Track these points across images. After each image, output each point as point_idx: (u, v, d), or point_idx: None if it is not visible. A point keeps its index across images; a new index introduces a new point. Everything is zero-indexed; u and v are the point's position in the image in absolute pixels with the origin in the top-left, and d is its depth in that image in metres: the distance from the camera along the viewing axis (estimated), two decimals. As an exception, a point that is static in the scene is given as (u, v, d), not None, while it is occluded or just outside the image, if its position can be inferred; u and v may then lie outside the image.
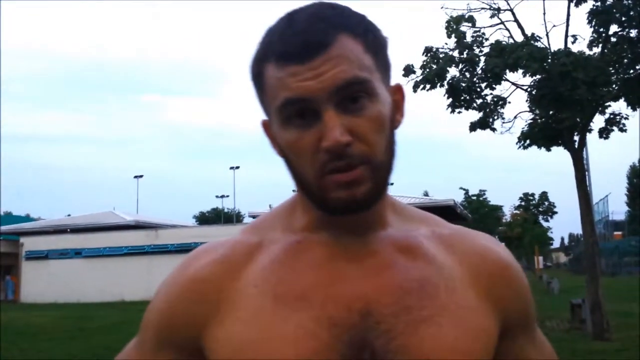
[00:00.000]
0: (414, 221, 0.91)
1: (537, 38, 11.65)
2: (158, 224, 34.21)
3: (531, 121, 12.46)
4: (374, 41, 0.80)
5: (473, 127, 12.52)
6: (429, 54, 12.10)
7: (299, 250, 0.84)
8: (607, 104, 11.85)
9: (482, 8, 12.09)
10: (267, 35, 0.81)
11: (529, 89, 11.98)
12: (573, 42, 11.60)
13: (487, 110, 12.38)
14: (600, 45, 11.52)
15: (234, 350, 0.79)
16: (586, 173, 12.46)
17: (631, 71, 11.54)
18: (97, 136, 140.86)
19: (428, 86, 11.97)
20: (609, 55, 11.46)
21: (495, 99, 12.42)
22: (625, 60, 11.52)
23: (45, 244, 30.43)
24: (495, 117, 12.55)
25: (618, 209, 61.42)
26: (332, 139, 0.75)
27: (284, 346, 0.77)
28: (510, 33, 12.05)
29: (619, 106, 12.12)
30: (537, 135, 12.14)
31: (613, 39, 11.47)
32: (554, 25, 11.83)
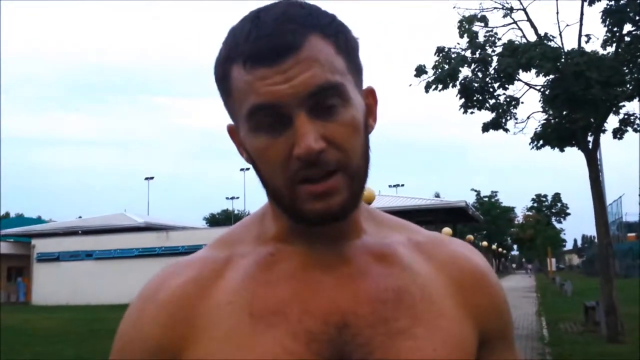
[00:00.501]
0: (390, 228, 0.88)
1: (551, 37, 11.56)
2: (169, 225, 34.29)
3: (544, 121, 12.36)
4: (345, 42, 0.76)
5: (486, 127, 12.45)
6: (441, 54, 12.04)
7: (272, 263, 0.81)
8: (621, 104, 11.73)
9: (495, 7, 12.03)
10: (232, 35, 0.76)
11: (542, 89, 11.89)
12: (587, 42, 11.52)
13: (500, 110, 12.31)
14: (614, 44, 11.42)
15: None
16: (600, 174, 12.33)
17: (645, 71, 11.41)
18: (108, 138, 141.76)
19: (440, 86, 11.92)
20: (623, 54, 11.35)
21: (508, 99, 12.35)
22: (639, 60, 11.40)
23: (56, 246, 30.58)
24: (508, 118, 12.48)
25: (631, 210, 60.96)
26: (304, 146, 0.70)
27: None
28: (523, 33, 11.97)
29: (633, 106, 12.02)
30: (551, 136, 12.05)
31: (627, 38, 11.36)
32: (567, 25, 11.72)
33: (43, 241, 31.44)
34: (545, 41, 11.43)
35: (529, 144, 12.53)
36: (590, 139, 11.92)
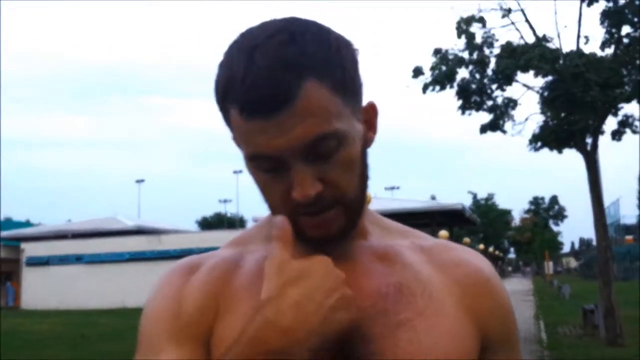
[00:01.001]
0: (394, 233, 0.92)
1: (549, 39, 11.54)
2: (160, 229, 34.15)
3: (543, 123, 12.33)
4: (341, 76, 0.76)
5: (483, 129, 12.41)
6: (438, 55, 11.99)
7: None
8: (620, 105, 11.71)
9: (493, 9, 11.98)
10: (227, 69, 0.76)
11: (540, 91, 11.85)
12: (585, 43, 11.50)
13: (498, 112, 12.28)
14: (613, 46, 11.40)
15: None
16: (598, 176, 12.30)
17: (644, 72, 11.40)
18: (98, 139, 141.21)
19: (438, 87, 11.90)
20: (621, 56, 11.34)
21: (506, 101, 12.31)
22: (638, 62, 11.39)
23: (45, 249, 30.28)
24: (506, 119, 12.43)
25: (629, 212, 61.46)
26: (301, 193, 0.75)
27: None
28: (521, 34, 11.92)
29: (632, 108, 12.00)
30: (549, 138, 12.04)
31: (626, 40, 11.35)
32: (566, 26, 11.70)
33: (32, 245, 31.13)
34: (543, 42, 11.41)
35: (527, 145, 12.51)
36: (588, 140, 11.90)
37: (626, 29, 11.34)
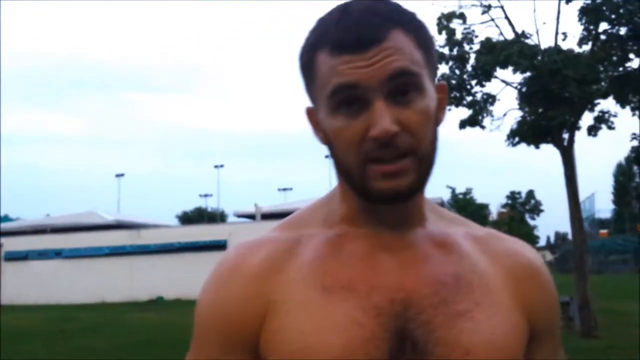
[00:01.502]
0: (450, 221, 0.94)
1: (528, 35, 11.66)
2: (140, 223, 33.90)
3: (521, 119, 12.46)
4: (424, 39, 0.83)
5: (463, 124, 12.51)
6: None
7: (340, 243, 0.86)
8: (597, 101, 11.88)
9: (473, 5, 12.08)
10: (319, 25, 0.83)
11: (518, 87, 11.97)
12: (563, 40, 11.65)
13: (477, 107, 12.37)
14: (590, 42, 11.55)
15: (286, 340, 0.81)
16: (574, 171, 12.47)
17: (620, 69, 11.61)
18: (77, 134, 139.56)
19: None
20: (598, 52, 11.49)
21: (485, 97, 12.41)
22: (615, 58, 11.58)
23: (24, 244, 29.90)
24: (485, 115, 12.54)
25: (604, 207, 62.43)
26: (381, 127, 0.76)
27: (333, 335, 0.79)
28: (500, 30, 12.02)
29: (608, 104, 12.18)
30: (527, 133, 12.16)
31: (603, 37, 11.51)
32: (545, 23, 11.85)
33: (11, 239, 30.71)
34: (522, 39, 11.52)
35: (505, 140, 12.63)
36: (565, 136, 12.05)
37: (603, 26, 11.50)
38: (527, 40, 11.51)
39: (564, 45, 11.53)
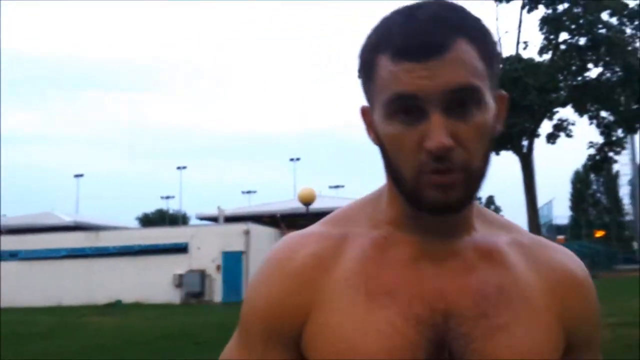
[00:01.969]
0: (497, 227, 0.93)
1: (490, 43, 11.83)
2: (99, 225, 33.36)
3: (482, 125, 12.65)
4: (488, 47, 0.81)
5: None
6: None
7: (385, 246, 0.86)
8: (556, 109, 12.15)
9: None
10: (383, 27, 0.82)
11: (480, 94, 12.15)
12: (524, 49, 11.91)
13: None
14: (550, 51, 11.82)
15: (329, 340, 0.82)
16: (533, 177, 12.72)
17: (579, 78, 11.89)
18: (34, 132, 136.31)
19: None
20: (558, 62, 11.76)
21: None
22: (574, 68, 11.86)
23: (-22, 245, 29.05)
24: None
25: (562, 213, 64.14)
26: (437, 141, 0.76)
27: (374, 340, 0.80)
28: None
29: (567, 112, 12.46)
30: (488, 140, 12.33)
31: (563, 46, 11.78)
32: (507, 32, 12.06)
33: (-37, 240, 29.82)
34: (485, 46, 11.69)
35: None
36: (525, 143, 12.28)
37: (563, 36, 11.80)
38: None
39: (525, 54, 11.80)
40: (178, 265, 25.33)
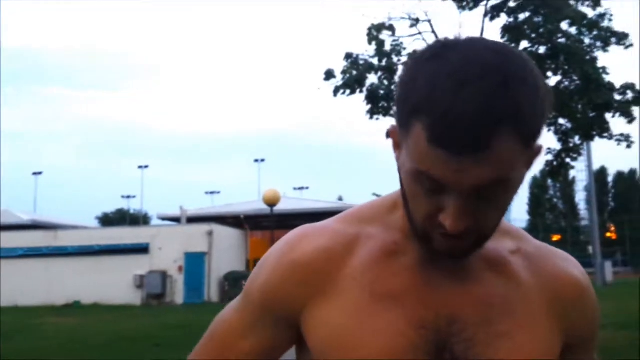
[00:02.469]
0: (504, 235, 0.94)
1: (453, 50, 12.02)
2: (57, 224, 32.70)
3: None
4: (537, 127, 0.75)
5: (389, 134, 12.74)
6: (349, 60, 12.24)
7: (395, 252, 0.89)
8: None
9: (402, 17, 12.39)
10: (426, 86, 0.73)
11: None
12: (486, 56, 12.07)
13: (404, 118, 12.63)
14: (511, 60, 12.05)
15: (330, 334, 0.85)
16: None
17: (539, 86, 12.15)
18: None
19: (348, 91, 12.15)
20: (518, 69, 12.00)
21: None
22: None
23: None
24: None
25: (520, 217, 65.61)
26: (453, 226, 0.76)
27: (375, 340, 0.82)
28: (427, 43, 12.33)
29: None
30: (450, 144, 12.52)
31: (523, 55, 12.03)
32: (469, 38, 12.25)
33: None
34: (448, 53, 11.88)
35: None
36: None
37: (524, 44, 12.03)
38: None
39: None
40: (139, 266, 25.00)
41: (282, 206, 21.92)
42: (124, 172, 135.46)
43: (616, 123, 12.03)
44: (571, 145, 12.87)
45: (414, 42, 12.60)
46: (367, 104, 12.35)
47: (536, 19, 11.57)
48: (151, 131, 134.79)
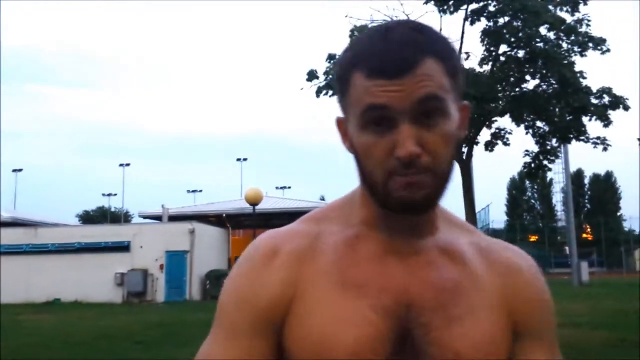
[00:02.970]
0: (459, 229, 1.02)
1: (434, 52, 12.16)
2: (38, 221, 32.34)
3: (425, 131, 12.95)
4: (454, 65, 0.89)
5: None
6: (332, 61, 12.31)
7: (357, 244, 0.95)
8: (494, 118, 12.58)
9: (384, 20, 12.47)
10: (359, 46, 0.90)
11: (424, 101, 12.45)
12: (466, 59, 12.26)
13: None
14: (491, 63, 12.25)
15: (307, 330, 0.89)
16: (471, 183, 13.14)
17: (517, 89, 12.37)
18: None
19: (330, 92, 12.20)
20: (497, 72, 12.20)
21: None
22: (512, 79, 12.33)
23: None
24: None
25: (498, 218, 66.10)
26: (405, 149, 0.83)
27: (347, 330, 0.87)
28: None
29: (505, 122, 12.92)
30: (429, 145, 12.62)
31: (502, 58, 12.22)
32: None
33: None
34: (429, 55, 12.01)
35: (411, 152, 13.08)
36: (464, 150, 12.67)
37: (503, 48, 12.22)
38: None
39: (467, 64, 12.14)
40: (120, 264, 24.87)
41: (264, 205, 21.96)
42: (105, 169, 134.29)
43: (593, 126, 12.26)
44: (548, 147, 13.08)
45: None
46: (349, 104, 12.44)
47: (515, 23, 11.76)
48: (133, 129, 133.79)
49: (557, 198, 60.32)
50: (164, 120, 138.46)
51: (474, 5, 12.07)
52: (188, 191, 73.47)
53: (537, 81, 12.38)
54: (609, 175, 73.68)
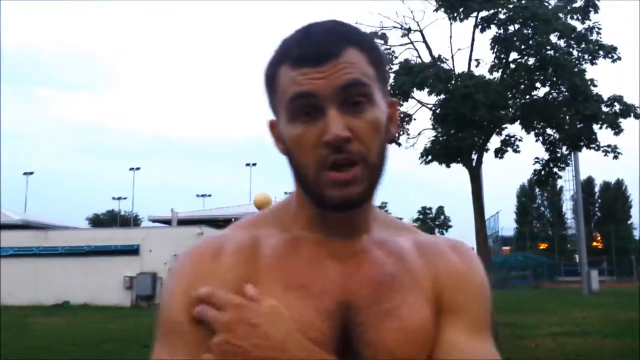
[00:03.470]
0: (394, 228, 1.02)
1: (444, 60, 12.18)
2: (48, 224, 32.59)
3: (433, 138, 12.96)
4: (376, 57, 0.92)
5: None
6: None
7: (296, 246, 0.94)
8: (504, 126, 12.54)
9: (394, 27, 12.51)
10: (284, 43, 0.92)
11: (433, 108, 12.47)
12: (476, 66, 12.24)
13: (394, 125, 12.71)
14: (501, 70, 12.21)
15: None
16: (481, 190, 13.10)
17: (527, 96, 12.34)
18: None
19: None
20: (507, 80, 12.16)
21: (402, 115, 12.83)
22: (522, 86, 12.29)
23: None
24: (402, 133, 12.95)
25: (507, 225, 65.81)
26: (333, 133, 0.84)
27: None
28: (418, 53, 12.45)
29: (514, 129, 12.88)
30: (439, 152, 12.62)
31: (512, 66, 12.20)
32: (459, 49, 12.41)
33: None
34: (438, 63, 12.02)
35: (419, 158, 13.09)
36: (474, 157, 12.63)
37: (513, 55, 12.18)
38: (443, 65, 12.02)
39: (477, 72, 12.13)
40: (129, 267, 24.97)
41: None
42: (115, 173, 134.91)
43: (603, 134, 12.20)
44: (559, 155, 13.01)
45: (405, 51, 12.76)
46: (359, 111, 12.41)
47: (526, 31, 11.73)
48: (143, 134, 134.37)
49: (567, 206, 60.10)
50: (174, 125, 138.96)
51: (484, 13, 12.06)
52: (197, 195, 73.88)
53: (547, 89, 12.33)
54: (619, 183, 73.19)
